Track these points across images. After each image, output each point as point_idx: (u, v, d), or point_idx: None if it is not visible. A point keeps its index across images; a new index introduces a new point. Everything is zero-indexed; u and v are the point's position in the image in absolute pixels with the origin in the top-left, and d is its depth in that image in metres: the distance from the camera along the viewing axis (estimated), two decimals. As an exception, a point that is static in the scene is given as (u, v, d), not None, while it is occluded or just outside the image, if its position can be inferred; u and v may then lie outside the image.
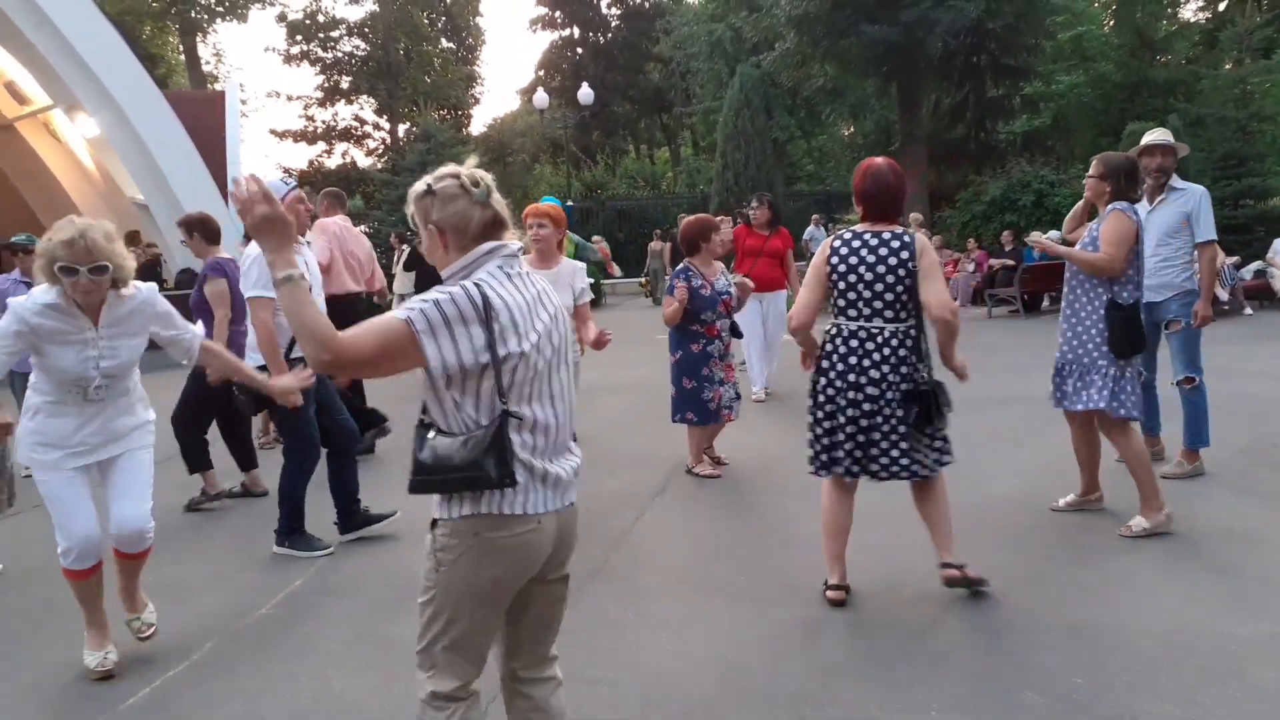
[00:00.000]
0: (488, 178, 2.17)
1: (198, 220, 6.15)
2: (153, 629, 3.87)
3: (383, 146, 39.53)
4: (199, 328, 4.02)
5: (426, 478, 2.09)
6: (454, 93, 40.87)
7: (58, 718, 3.33)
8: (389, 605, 4.19)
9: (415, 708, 2.24)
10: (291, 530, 4.95)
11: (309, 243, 5.52)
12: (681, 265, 6.04)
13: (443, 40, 42.06)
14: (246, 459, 6.25)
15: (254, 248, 4.60)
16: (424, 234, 2.19)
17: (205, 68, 39.15)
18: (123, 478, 3.57)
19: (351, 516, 5.11)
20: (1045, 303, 15.40)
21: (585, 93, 27.47)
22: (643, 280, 24.45)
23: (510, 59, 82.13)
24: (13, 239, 7.23)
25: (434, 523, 2.17)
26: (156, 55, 35.84)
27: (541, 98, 28.71)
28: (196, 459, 6.05)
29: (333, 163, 39.60)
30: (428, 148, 28.78)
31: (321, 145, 39.70)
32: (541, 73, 42.26)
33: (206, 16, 37.93)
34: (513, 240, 2.21)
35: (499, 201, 2.19)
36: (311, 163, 39.59)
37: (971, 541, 4.33)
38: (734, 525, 5.19)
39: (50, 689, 3.55)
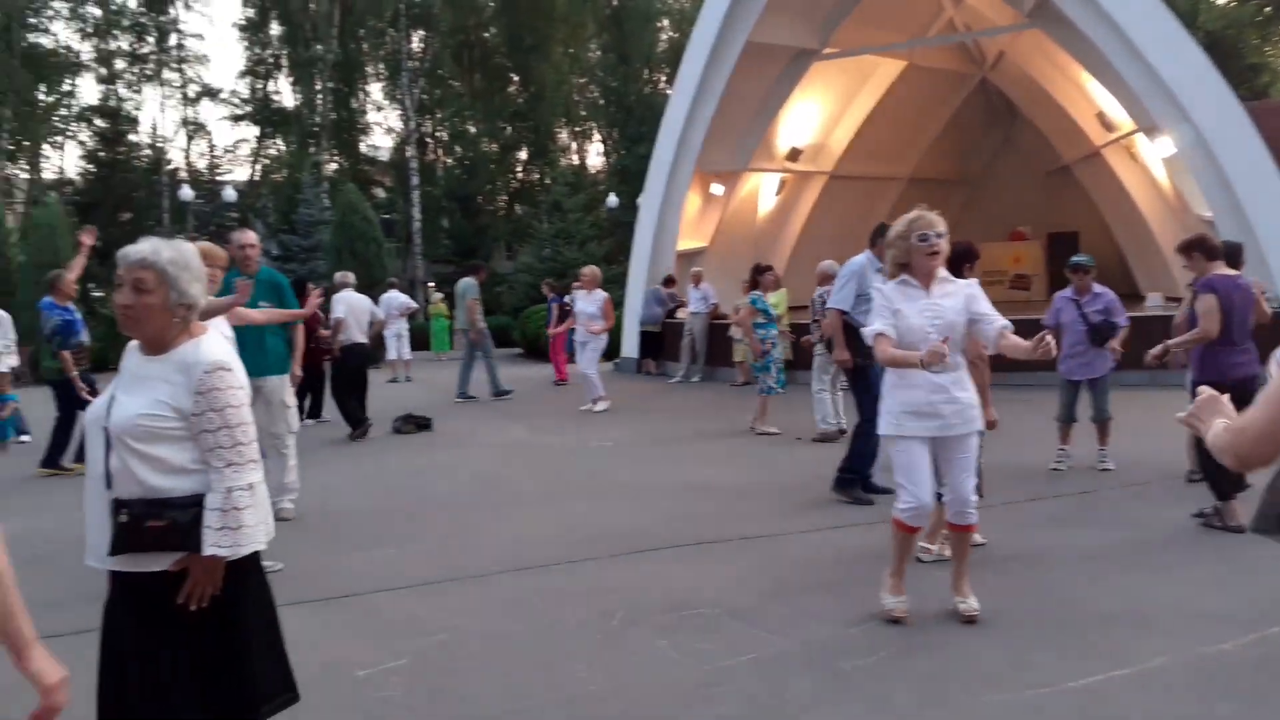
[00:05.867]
0: None
1: (1196, 241, 6.36)
2: (975, 612, 4.32)
3: None
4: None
5: None
6: None
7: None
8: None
9: None
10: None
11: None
12: None
13: None
14: None
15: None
16: None
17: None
18: (959, 455, 4.29)
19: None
20: None
21: None
22: None
23: None
24: (1073, 259, 7.76)
25: None
26: (1259, 64, 34.24)
27: None
28: (1224, 486, 5.89)
29: None
30: None
31: None
32: None
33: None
34: None
35: None
36: None
37: None
38: None
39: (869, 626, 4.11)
